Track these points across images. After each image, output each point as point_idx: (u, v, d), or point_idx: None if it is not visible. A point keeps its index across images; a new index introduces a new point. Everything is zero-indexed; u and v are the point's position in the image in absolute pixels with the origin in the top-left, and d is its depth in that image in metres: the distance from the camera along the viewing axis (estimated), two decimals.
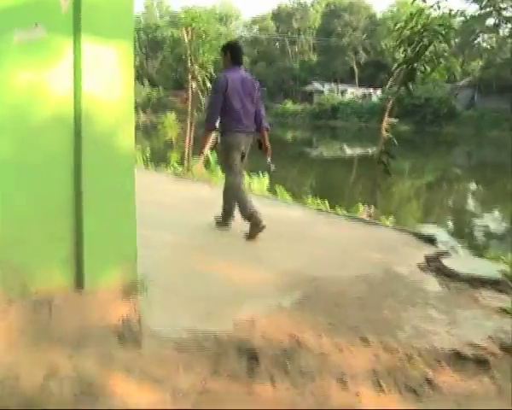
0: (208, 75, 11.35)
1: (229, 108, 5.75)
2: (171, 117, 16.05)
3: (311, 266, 4.97)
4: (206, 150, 6.49)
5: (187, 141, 11.65)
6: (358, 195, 18.11)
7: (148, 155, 17.04)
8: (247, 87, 5.88)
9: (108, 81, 3.50)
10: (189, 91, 11.43)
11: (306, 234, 6.16)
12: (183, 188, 9.28)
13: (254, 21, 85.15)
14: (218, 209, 6.34)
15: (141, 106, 66.85)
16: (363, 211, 8.88)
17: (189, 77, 11.28)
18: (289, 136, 51.93)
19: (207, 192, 8.68)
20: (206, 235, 6.03)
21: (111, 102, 3.53)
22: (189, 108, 11.54)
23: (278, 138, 49.94)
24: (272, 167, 6.36)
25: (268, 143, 6.21)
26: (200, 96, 11.62)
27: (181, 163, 12.63)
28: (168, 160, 14.45)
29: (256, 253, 5.34)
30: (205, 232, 6.11)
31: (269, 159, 6.30)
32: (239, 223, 6.08)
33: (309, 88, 72.06)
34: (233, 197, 5.97)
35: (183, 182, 9.84)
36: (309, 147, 42.09)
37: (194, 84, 11.21)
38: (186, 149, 11.66)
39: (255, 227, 5.72)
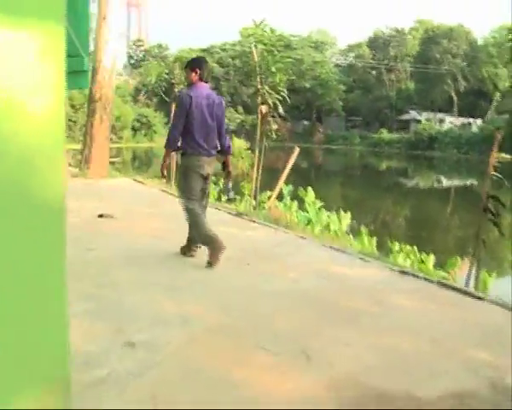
0: (280, 98, 9.89)
1: (191, 127, 5.45)
2: (240, 144, 14.72)
3: (380, 372, 3.32)
4: (164, 172, 5.86)
5: (254, 173, 10.20)
6: (457, 239, 16.07)
7: (221, 185, 15.95)
8: (211, 106, 5.56)
9: (26, 83, 2.06)
10: (259, 116, 10.01)
11: (381, 315, 4.47)
12: (238, 232, 7.80)
13: (350, 48, 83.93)
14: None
15: (235, 133, 67.03)
16: (461, 265, 7.14)
17: (259, 100, 9.89)
18: (384, 165, 50.53)
19: (272, 243, 7.16)
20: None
21: (30, 115, 2.08)
22: (258, 135, 10.10)
23: (373, 168, 48.60)
24: (231, 194, 6.26)
25: (230, 168, 5.97)
26: (272, 124, 10.17)
27: (253, 197, 11.26)
28: (241, 192, 13.20)
29: (306, 344, 3.73)
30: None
31: (230, 184, 6.14)
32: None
33: (405, 117, 69.89)
34: (196, 223, 5.61)
35: (244, 223, 8.37)
36: (404, 177, 40.34)
37: (264, 108, 9.78)
38: (253, 184, 10.22)
39: (215, 250, 5.42)
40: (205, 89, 5.64)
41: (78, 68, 3.76)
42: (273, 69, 9.50)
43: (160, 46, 69.64)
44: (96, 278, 4.99)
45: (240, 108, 65.41)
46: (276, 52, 9.62)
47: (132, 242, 6.54)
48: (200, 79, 5.62)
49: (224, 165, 5.95)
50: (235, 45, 76.92)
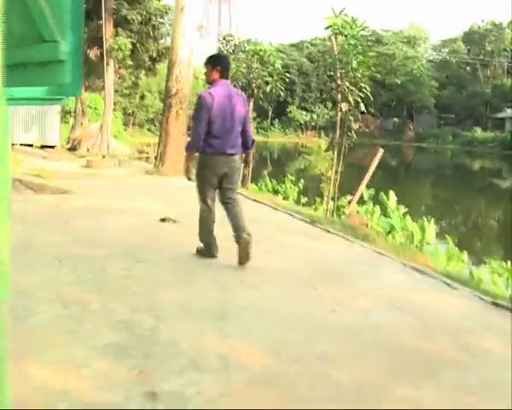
0: (362, 96, 9.02)
1: (212, 127, 5.32)
2: (320, 143, 13.80)
3: None
4: (191, 175, 5.66)
5: (332, 176, 9.41)
6: None
7: (301, 186, 15.21)
8: (234, 104, 5.43)
9: None
10: (338, 116, 9.19)
11: (468, 366, 3.60)
12: (309, 244, 7.06)
13: (444, 44, 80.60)
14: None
15: (324, 129, 66.00)
16: None
17: (339, 97, 9.07)
18: (477, 165, 48.15)
19: (345, 260, 6.39)
20: None
21: None
22: (337, 135, 9.28)
23: (465, 168, 46.33)
24: (245, 181, 6.04)
25: (250, 158, 5.95)
26: (353, 124, 9.31)
27: (331, 200, 10.51)
28: (321, 194, 12.45)
29: (371, 406, 2.96)
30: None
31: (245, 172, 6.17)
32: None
33: (501, 115, 66.21)
34: (202, 220, 5.77)
35: (316, 233, 7.60)
36: (498, 178, 38.06)
37: (343, 106, 8.95)
38: (331, 186, 9.42)
39: (205, 255, 5.75)
40: (226, 86, 5.51)
41: (51, 57, 3.16)
42: (354, 64, 8.65)
43: (249, 41, 69.61)
44: (135, 298, 4.42)
45: (329, 104, 64.24)
46: (358, 45, 8.73)
47: (189, 254, 5.94)
48: (221, 77, 5.48)
49: (246, 159, 5.88)
50: (324, 40, 75.72)
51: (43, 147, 21.59)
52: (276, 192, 14.44)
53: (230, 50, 70.42)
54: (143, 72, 23.96)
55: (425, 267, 5.84)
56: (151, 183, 12.21)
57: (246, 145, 5.70)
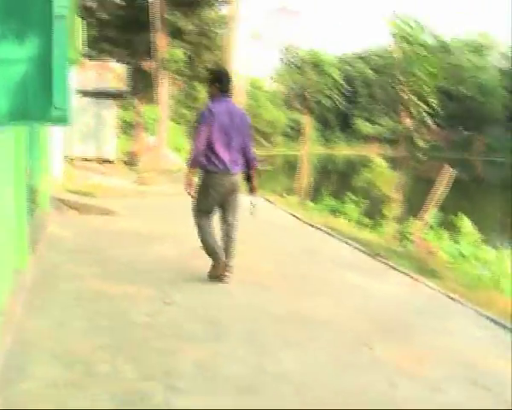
0: (429, 110, 8.04)
1: (212, 143, 5.26)
2: (380, 162, 12.72)
3: None
4: (192, 192, 5.51)
5: (395, 195, 8.47)
6: None
7: (363, 205, 14.24)
8: (235, 121, 5.36)
9: None
10: (403, 129, 8.25)
11: None
12: (367, 284, 6.19)
13: None
14: None
15: (389, 142, 64.46)
16: None
17: (403, 110, 8.13)
18: None
19: (408, 306, 5.53)
20: None
21: None
22: (401, 149, 8.33)
23: None
24: (254, 211, 5.75)
25: (255, 182, 5.75)
26: (419, 141, 8.34)
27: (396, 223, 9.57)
28: (383, 216, 11.51)
29: None
30: None
31: (254, 199, 5.76)
32: None
33: None
34: (205, 240, 5.59)
35: (377, 268, 6.70)
36: None
37: (407, 122, 8.01)
38: (395, 208, 8.49)
39: (215, 269, 5.57)
40: (227, 103, 5.42)
41: None
42: (419, 73, 7.69)
43: (312, 52, 68.90)
44: (153, 359, 3.69)
45: (395, 116, 62.62)
46: (424, 54, 7.77)
47: (225, 297, 5.20)
48: (221, 93, 5.40)
49: (249, 179, 5.75)
50: (389, 51, 74.05)
51: (101, 161, 21.44)
52: (335, 212, 13.53)
53: (293, 61, 69.87)
54: (200, 84, 23.53)
55: (507, 320, 4.83)
56: None
57: (248, 164, 5.63)
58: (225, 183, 5.38)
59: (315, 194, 15.22)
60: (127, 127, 27.25)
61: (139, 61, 20.72)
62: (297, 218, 10.08)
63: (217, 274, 5.55)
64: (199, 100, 43.54)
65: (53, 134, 11.91)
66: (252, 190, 5.83)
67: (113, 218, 9.10)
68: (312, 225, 9.28)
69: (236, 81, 12.82)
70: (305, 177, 11.74)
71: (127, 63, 21.84)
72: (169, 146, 34.03)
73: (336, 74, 13.32)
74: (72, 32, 9.46)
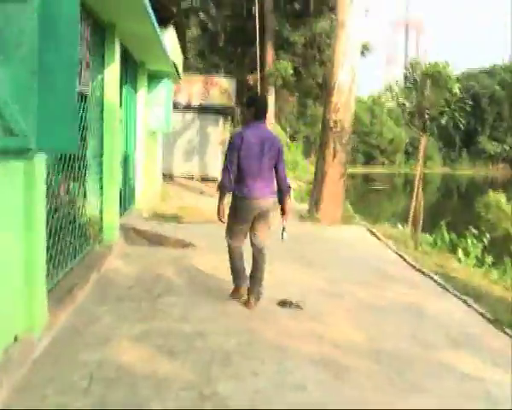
0: None
1: (241, 169, 5.27)
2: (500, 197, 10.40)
3: None
4: (222, 218, 5.44)
5: None
6: None
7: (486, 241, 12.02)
8: (265, 146, 5.30)
9: None
10: None
11: None
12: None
13: None
14: None
15: None
16: None
17: None
18: None
19: None
20: None
21: None
22: None
23: None
24: (285, 236, 5.70)
25: (287, 208, 5.61)
26: None
27: None
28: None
29: None
30: None
31: (284, 224, 5.66)
32: None
33: None
34: (232, 262, 5.64)
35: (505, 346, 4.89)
36: None
37: None
38: None
39: (236, 293, 5.64)
40: (259, 128, 5.39)
41: None
42: None
43: (434, 66, 65.55)
44: None
45: None
46: None
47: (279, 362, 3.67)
48: (255, 118, 5.39)
49: (281, 206, 5.65)
50: None
51: (204, 180, 20.62)
52: (454, 248, 11.48)
53: (414, 76, 66.80)
54: (311, 100, 22.09)
55: None
56: (300, 234, 10.03)
57: (280, 190, 5.52)
58: (254, 208, 5.36)
59: (432, 220, 13.23)
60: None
61: (245, 75, 19.67)
62: (404, 259, 8.32)
63: (238, 297, 5.62)
64: (313, 117, 42.55)
65: (141, 152, 10.95)
66: (283, 215, 5.68)
67: (190, 252, 7.83)
68: (423, 273, 7.50)
69: (343, 98, 11.22)
70: (420, 201, 9.85)
71: (234, 77, 20.96)
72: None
73: (459, 90, 11.31)
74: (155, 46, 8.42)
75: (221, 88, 20.52)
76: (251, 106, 5.41)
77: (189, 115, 20.51)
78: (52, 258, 5.03)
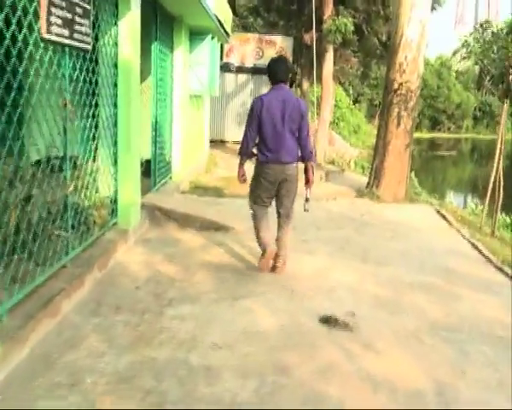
0: None
1: (262, 133, 5.20)
2: None
3: None
4: (241, 179, 5.48)
5: None
6: None
7: None
8: (287, 110, 5.14)
9: None
10: None
11: None
12: None
13: None
14: None
15: None
16: None
17: None
18: None
19: None
20: None
21: None
22: None
23: None
24: (307, 207, 5.49)
25: (311, 175, 5.39)
26: None
27: None
28: None
29: None
30: None
31: (308, 195, 5.48)
32: None
33: None
34: (256, 230, 5.49)
35: None
36: None
37: None
38: None
39: (264, 258, 5.43)
40: (280, 91, 5.21)
41: None
42: None
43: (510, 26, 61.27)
44: None
45: None
46: None
47: None
48: (272, 83, 5.28)
49: (305, 172, 5.43)
50: None
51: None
52: None
53: (487, 39, 62.81)
54: (374, 60, 20.22)
55: None
56: (355, 214, 8.66)
57: (303, 156, 5.38)
58: (276, 173, 5.26)
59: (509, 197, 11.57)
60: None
61: (302, 34, 18.09)
62: (479, 251, 6.86)
63: (265, 264, 5.44)
64: (376, 78, 40.27)
65: (179, 117, 9.78)
66: (306, 183, 5.48)
67: (222, 238, 6.66)
68: (504, 272, 6.05)
69: (410, 56, 9.66)
70: (499, 175, 8.26)
71: (291, 36, 19.40)
72: (342, 129, 31.30)
73: None
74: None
75: (277, 47, 19.05)
76: (267, 71, 5.30)
77: (243, 77, 19.16)
78: (28, 256, 3.97)
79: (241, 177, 5.44)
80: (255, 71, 19.02)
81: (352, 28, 15.21)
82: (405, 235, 7.45)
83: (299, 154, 5.34)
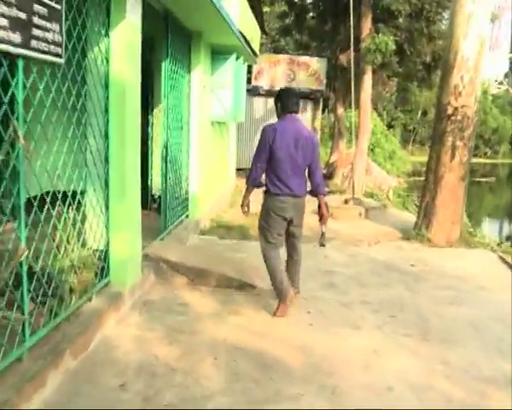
0: None
1: (274, 164, 4.93)
2: None
3: None
4: (245, 209, 5.25)
5: None
6: None
7: None
8: (299, 141, 4.94)
9: None
10: None
11: None
12: None
13: None
14: None
15: None
16: None
17: None
18: None
19: None
20: None
21: None
22: None
23: None
24: (323, 241, 5.24)
25: (324, 210, 5.20)
26: None
27: None
28: None
29: None
30: None
31: (323, 228, 5.23)
32: None
33: None
34: (272, 272, 5.08)
35: None
36: None
37: None
38: None
39: (282, 304, 5.01)
40: (293, 121, 5.03)
41: None
42: None
43: None
44: None
45: None
46: None
47: None
48: (283, 112, 5.04)
49: (318, 207, 5.23)
50: None
51: None
52: None
53: None
54: (415, 83, 18.71)
55: None
56: (401, 263, 7.24)
57: (315, 190, 5.21)
58: (289, 206, 4.99)
59: None
60: (325, 135, 23.57)
61: (337, 55, 16.81)
62: None
63: (285, 311, 5.00)
64: (413, 103, 38.73)
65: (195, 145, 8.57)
66: (321, 218, 5.22)
67: (244, 303, 5.34)
68: None
69: (466, 78, 8.27)
70: None
71: (324, 57, 18.16)
72: (377, 156, 29.78)
73: None
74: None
75: (310, 69, 17.84)
76: (277, 101, 5.10)
77: (272, 101, 17.99)
78: None
79: (246, 206, 5.23)
80: None
81: (394, 47, 13.86)
82: (471, 295, 5.99)
83: (308, 187, 5.19)
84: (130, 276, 5.04)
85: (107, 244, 4.84)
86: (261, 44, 14.84)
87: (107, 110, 4.69)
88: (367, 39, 14.25)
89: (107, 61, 4.66)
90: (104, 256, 4.80)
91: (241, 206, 5.27)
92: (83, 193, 4.56)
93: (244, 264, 6.34)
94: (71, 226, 4.32)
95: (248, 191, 5.19)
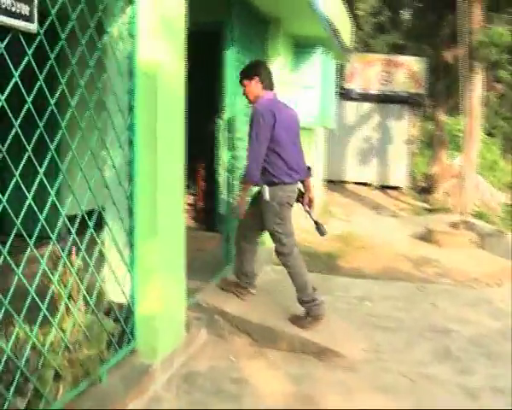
0: None
1: (280, 151, 4.27)
2: None
3: None
4: (243, 211, 4.50)
5: None
6: None
7: None
8: (292, 119, 4.47)
9: None
10: None
11: None
12: None
13: None
14: None
15: None
16: None
17: None
18: None
19: None
20: None
21: None
22: None
23: None
24: (323, 229, 4.48)
25: (312, 193, 4.59)
26: None
27: None
28: None
29: None
30: None
31: (315, 217, 4.53)
32: None
33: None
34: (292, 266, 4.42)
35: None
36: None
37: None
38: None
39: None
40: (277, 99, 4.48)
41: None
42: None
43: None
44: None
45: None
46: None
47: None
48: (265, 88, 4.39)
49: (305, 189, 4.59)
50: None
51: (384, 187, 16.26)
52: None
53: None
54: None
55: None
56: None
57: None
58: (294, 194, 4.42)
59: None
60: (424, 144, 21.46)
61: (440, 54, 14.84)
62: None
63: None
64: None
65: None
66: (310, 203, 4.57)
67: (323, 375, 3.79)
68: None
69: None
70: None
71: (425, 57, 16.20)
72: (481, 169, 27.05)
73: None
74: None
75: (408, 71, 15.99)
76: (255, 75, 4.33)
77: (366, 106, 16.27)
78: None
79: (243, 209, 4.52)
80: (382, 99, 16.07)
81: (510, 39, 11.75)
82: None
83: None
84: (164, 340, 3.62)
85: (132, 296, 3.44)
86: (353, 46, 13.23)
87: (131, 109, 3.30)
88: (479, 31, 12.21)
89: (133, 37, 3.27)
90: (126, 314, 3.40)
91: (240, 208, 4.53)
92: (99, 222, 3.19)
93: (327, 315, 4.74)
94: (75, 274, 2.99)
95: (247, 189, 4.47)
